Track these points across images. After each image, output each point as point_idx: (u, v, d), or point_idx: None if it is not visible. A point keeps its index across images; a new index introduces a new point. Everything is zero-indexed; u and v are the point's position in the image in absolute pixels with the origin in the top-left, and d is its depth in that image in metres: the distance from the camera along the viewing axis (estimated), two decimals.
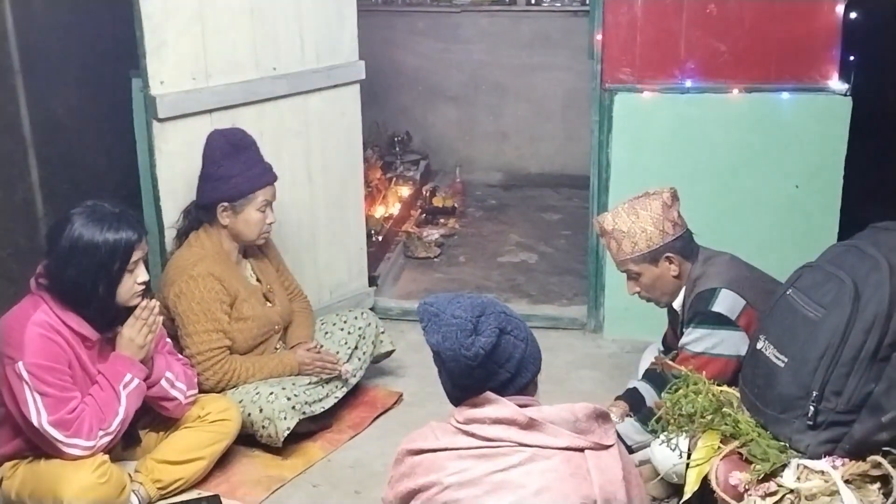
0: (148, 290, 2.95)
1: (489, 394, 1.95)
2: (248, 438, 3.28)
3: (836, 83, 3.76)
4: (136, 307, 2.91)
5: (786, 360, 2.27)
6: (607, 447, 1.95)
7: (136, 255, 2.82)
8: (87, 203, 2.82)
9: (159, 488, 3.02)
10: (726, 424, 2.34)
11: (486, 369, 1.94)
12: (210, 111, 3.56)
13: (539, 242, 5.35)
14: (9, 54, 4.01)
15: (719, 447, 2.33)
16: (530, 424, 1.91)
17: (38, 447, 2.80)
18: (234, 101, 3.63)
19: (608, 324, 4.20)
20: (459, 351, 1.92)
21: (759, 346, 2.37)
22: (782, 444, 2.25)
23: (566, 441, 1.91)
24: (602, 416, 1.97)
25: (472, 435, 1.94)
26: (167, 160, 3.49)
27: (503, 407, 1.93)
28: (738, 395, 2.48)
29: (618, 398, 3.27)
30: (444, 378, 2.03)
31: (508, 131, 6.42)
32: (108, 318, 2.86)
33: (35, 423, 2.72)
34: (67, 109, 4.40)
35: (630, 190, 3.30)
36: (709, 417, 2.38)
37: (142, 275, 2.86)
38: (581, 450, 1.91)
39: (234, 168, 3.33)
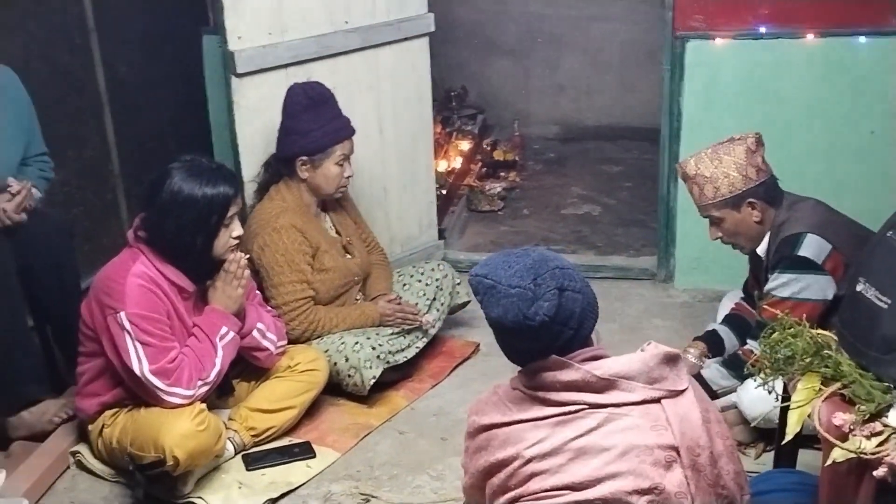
0: (241, 246, 3.00)
1: (555, 358, 1.90)
2: (334, 388, 3.34)
3: None
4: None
5: (889, 301, 2.25)
6: (682, 392, 1.91)
7: (232, 210, 2.88)
8: (186, 157, 2.87)
9: (253, 435, 3.10)
10: (826, 367, 2.33)
11: (551, 332, 1.89)
12: (285, 66, 3.59)
13: (601, 194, 5.34)
14: (83, 13, 4.05)
15: (820, 389, 2.33)
16: (602, 384, 1.87)
17: (138, 396, 2.88)
18: (309, 55, 3.65)
19: (679, 274, 4.20)
20: (524, 322, 1.86)
21: (858, 288, 2.36)
22: (886, 384, 2.24)
23: (641, 394, 1.88)
24: (672, 360, 1.93)
25: (544, 401, 1.90)
26: (245, 115, 3.52)
27: (572, 370, 1.89)
28: (835, 337, 2.47)
29: (696, 339, 3.30)
30: (506, 346, 1.97)
31: (565, 84, 6.37)
32: (204, 270, 2.92)
33: (137, 371, 2.79)
34: (136, 67, 4.44)
35: (702, 139, 3.28)
36: (808, 360, 2.37)
37: (237, 229, 2.91)
38: (657, 400, 1.89)
39: (312, 122, 3.36)
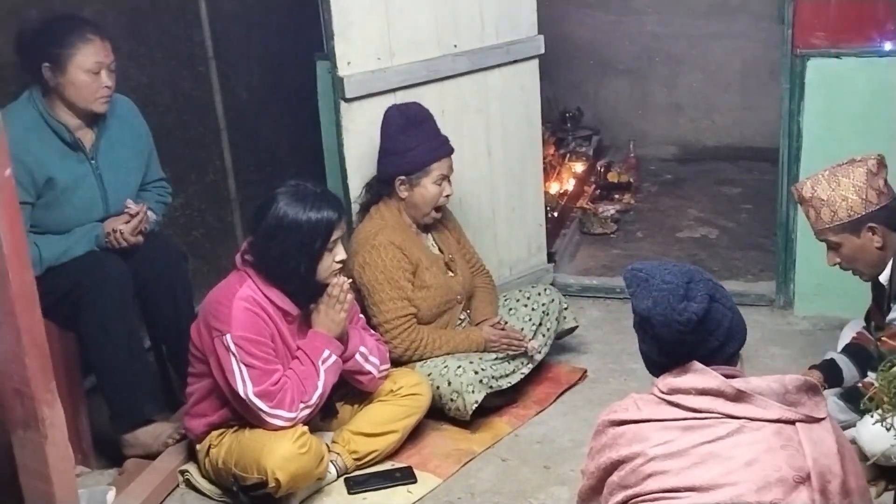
0: (343, 269, 3.03)
1: (695, 363, 1.92)
2: (436, 412, 3.33)
3: None
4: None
5: None
6: (819, 420, 1.89)
7: (336, 234, 2.91)
8: (291, 183, 2.92)
9: (355, 459, 3.11)
10: None
11: (696, 336, 1.91)
12: (394, 90, 3.62)
13: (719, 217, 5.19)
14: (203, 41, 4.19)
15: None
16: (738, 396, 1.87)
17: (243, 417, 2.93)
18: (417, 79, 3.67)
19: (799, 300, 4.03)
20: (672, 316, 1.90)
21: None
22: None
23: (776, 413, 1.86)
24: (812, 389, 1.91)
25: (677, 405, 1.91)
26: (353, 139, 3.57)
27: (710, 377, 1.90)
28: None
29: (812, 367, 3.16)
30: (650, 346, 2.00)
31: (683, 103, 6.24)
32: (308, 294, 2.96)
33: (241, 393, 2.84)
34: (252, 93, 4.57)
35: (823, 160, 3.15)
36: None
37: (340, 253, 2.95)
38: (792, 422, 1.87)
39: (410, 142, 3.38)
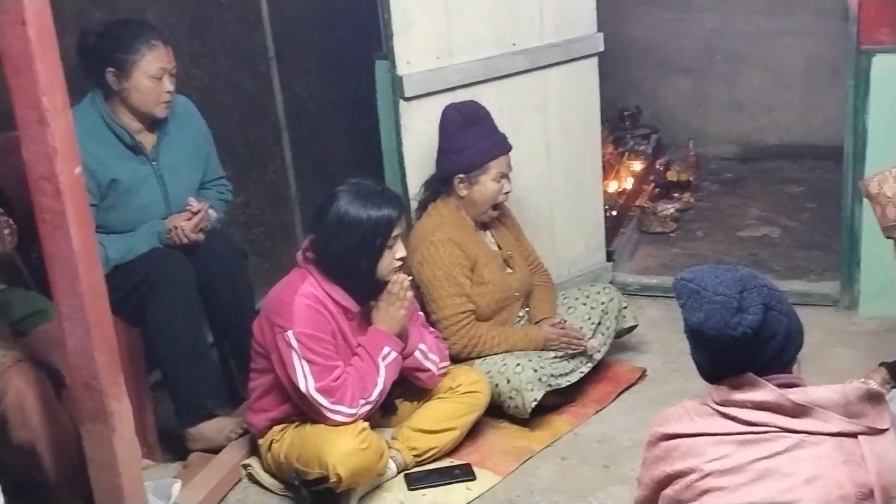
0: (403, 266, 3.05)
1: (751, 376, 1.86)
2: (495, 410, 3.33)
3: None
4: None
5: None
6: (882, 431, 1.83)
7: (396, 232, 2.94)
8: (352, 181, 2.95)
9: (415, 455, 3.12)
10: None
11: (751, 348, 1.86)
12: (452, 89, 3.63)
13: (781, 216, 5.12)
14: (264, 41, 4.24)
15: None
16: (797, 409, 1.82)
17: (305, 412, 2.96)
18: (475, 78, 3.68)
19: (864, 300, 3.96)
20: (725, 330, 1.84)
21: None
22: None
23: (837, 426, 1.81)
24: (875, 398, 1.85)
25: (733, 419, 1.86)
26: (412, 138, 3.59)
27: (766, 391, 1.84)
28: None
29: (880, 364, 3.10)
30: (702, 356, 1.95)
31: (744, 101, 6.15)
32: (368, 291, 2.99)
33: (303, 389, 2.87)
34: (312, 93, 4.61)
35: (888, 157, 3.09)
36: None
37: (400, 251, 2.97)
38: (854, 435, 1.81)
39: (467, 140, 3.38)
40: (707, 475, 1.84)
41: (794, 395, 1.83)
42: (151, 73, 3.13)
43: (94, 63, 3.16)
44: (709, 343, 1.89)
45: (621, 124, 5.97)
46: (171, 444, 3.34)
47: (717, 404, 1.89)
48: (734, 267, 1.97)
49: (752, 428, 1.84)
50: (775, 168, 5.86)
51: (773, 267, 4.51)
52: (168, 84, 3.18)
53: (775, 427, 1.83)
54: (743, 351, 1.86)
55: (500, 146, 3.44)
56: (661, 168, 5.62)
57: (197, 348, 3.23)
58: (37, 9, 2.02)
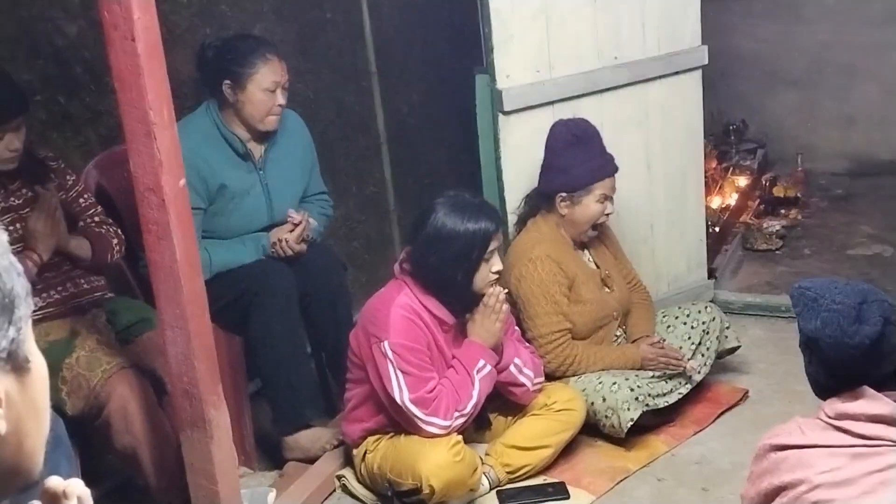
0: (499, 280, 3.04)
1: (867, 388, 1.83)
2: (590, 428, 3.28)
3: None
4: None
5: None
6: None
7: (493, 245, 2.93)
8: (450, 193, 2.96)
9: (508, 472, 3.10)
10: None
11: (868, 360, 1.82)
12: (552, 103, 3.60)
13: (893, 234, 4.92)
14: (366, 57, 4.30)
15: None
16: None
17: (399, 423, 2.97)
18: (576, 91, 3.65)
19: None
20: (842, 339, 1.81)
21: None
22: None
23: None
24: None
25: (846, 431, 1.82)
26: (511, 152, 3.57)
27: (882, 403, 1.80)
28: None
29: None
30: (817, 368, 1.91)
31: (856, 115, 5.95)
32: (464, 303, 2.99)
33: (398, 399, 2.88)
34: (412, 107, 4.65)
35: None
36: None
37: (496, 264, 2.96)
38: None
39: (574, 159, 3.34)
40: (817, 486, 1.80)
41: None
42: (265, 86, 3.20)
43: (211, 75, 3.25)
44: (824, 352, 1.86)
45: (726, 139, 5.85)
46: (269, 453, 3.39)
47: (830, 418, 1.86)
48: (855, 281, 1.98)
49: (866, 441, 1.81)
50: (888, 184, 5.64)
51: (885, 287, 4.28)
52: (280, 97, 3.25)
53: (889, 441, 1.79)
54: (860, 362, 1.83)
55: (607, 168, 3.39)
56: (767, 184, 5.47)
57: (296, 358, 3.28)
58: (146, 25, 2.09)
